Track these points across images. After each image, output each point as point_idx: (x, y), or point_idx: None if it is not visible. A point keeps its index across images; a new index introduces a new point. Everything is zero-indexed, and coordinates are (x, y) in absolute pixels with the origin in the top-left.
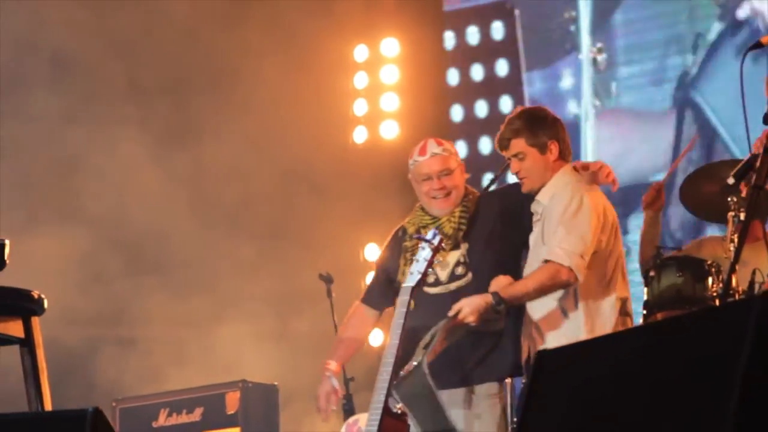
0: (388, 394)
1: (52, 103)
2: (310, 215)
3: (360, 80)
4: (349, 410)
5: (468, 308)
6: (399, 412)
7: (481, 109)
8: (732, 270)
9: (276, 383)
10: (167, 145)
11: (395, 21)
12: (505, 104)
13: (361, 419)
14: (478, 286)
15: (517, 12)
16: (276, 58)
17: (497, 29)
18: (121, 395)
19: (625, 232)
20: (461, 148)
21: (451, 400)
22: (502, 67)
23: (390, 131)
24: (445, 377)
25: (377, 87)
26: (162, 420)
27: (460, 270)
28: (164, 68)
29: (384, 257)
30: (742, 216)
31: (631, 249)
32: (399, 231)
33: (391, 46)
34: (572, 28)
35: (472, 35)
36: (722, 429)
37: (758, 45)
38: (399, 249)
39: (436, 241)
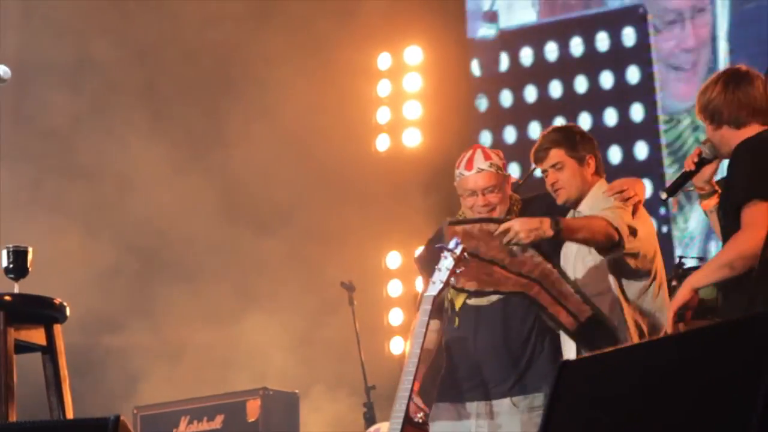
0: (410, 403)
1: (73, 107)
2: (332, 223)
3: (383, 88)
4: (370, 419)
5: (519, 225)
6: (420, 421)
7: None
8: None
9: (297, 391)
10: (191, 151)
11: (419, 29)
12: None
13: (383, 428)
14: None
15: (650, 17)
16: (300, 64)
17: (628, 35)
18: (142, 402)
19: None
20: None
21: (484, 411)
22: (633, 74)
23: (413, 139)
24: (482, 388)
25: (400, 95)
26: (183, 427)
27: None
28: (187, 73)
29: (428, 269)
30: None
31: None
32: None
33: (414, 54)
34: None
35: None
36: None
37: None
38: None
39: (458, 251)
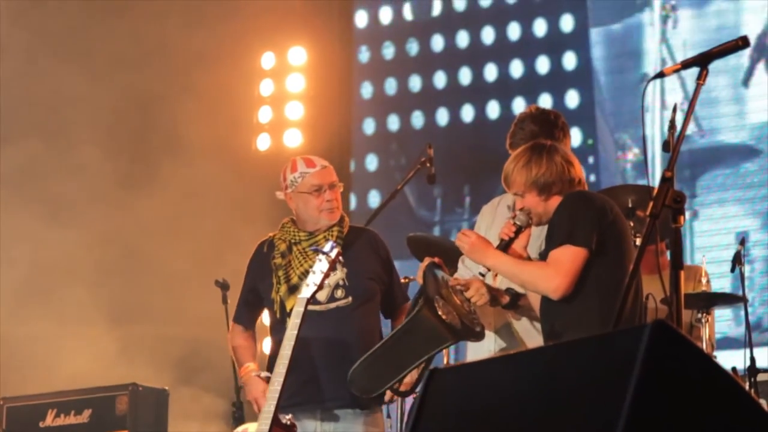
0: (279, 405)
1: None
2: (209, 221)
3: (266, 87)
4: (239, 418)
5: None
6: (288, 423)
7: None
8: (626, 295)
9: (167, 388)
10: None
11: (303, 30)
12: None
13: (251, 428)
14: (357, 307)
15: None
16: (182, 59)
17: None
18: (8, 394)
19: (693, 195)
20: (372, 160)
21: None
22: (567, 22)
23: (293, 140)
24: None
25: (282, 95)
26: (49, 420)
27: (339, 293)
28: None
29: (252, 276)
30: (638, 241)
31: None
32: (264, 247)
33: (298, 54)
34: None
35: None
36: None
37: (661, 75)
38: (268, 266)
39: (333, 254)
